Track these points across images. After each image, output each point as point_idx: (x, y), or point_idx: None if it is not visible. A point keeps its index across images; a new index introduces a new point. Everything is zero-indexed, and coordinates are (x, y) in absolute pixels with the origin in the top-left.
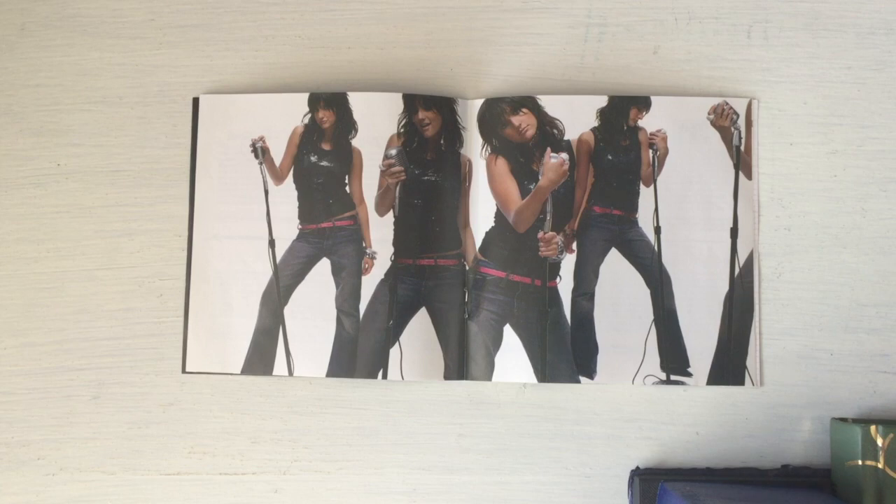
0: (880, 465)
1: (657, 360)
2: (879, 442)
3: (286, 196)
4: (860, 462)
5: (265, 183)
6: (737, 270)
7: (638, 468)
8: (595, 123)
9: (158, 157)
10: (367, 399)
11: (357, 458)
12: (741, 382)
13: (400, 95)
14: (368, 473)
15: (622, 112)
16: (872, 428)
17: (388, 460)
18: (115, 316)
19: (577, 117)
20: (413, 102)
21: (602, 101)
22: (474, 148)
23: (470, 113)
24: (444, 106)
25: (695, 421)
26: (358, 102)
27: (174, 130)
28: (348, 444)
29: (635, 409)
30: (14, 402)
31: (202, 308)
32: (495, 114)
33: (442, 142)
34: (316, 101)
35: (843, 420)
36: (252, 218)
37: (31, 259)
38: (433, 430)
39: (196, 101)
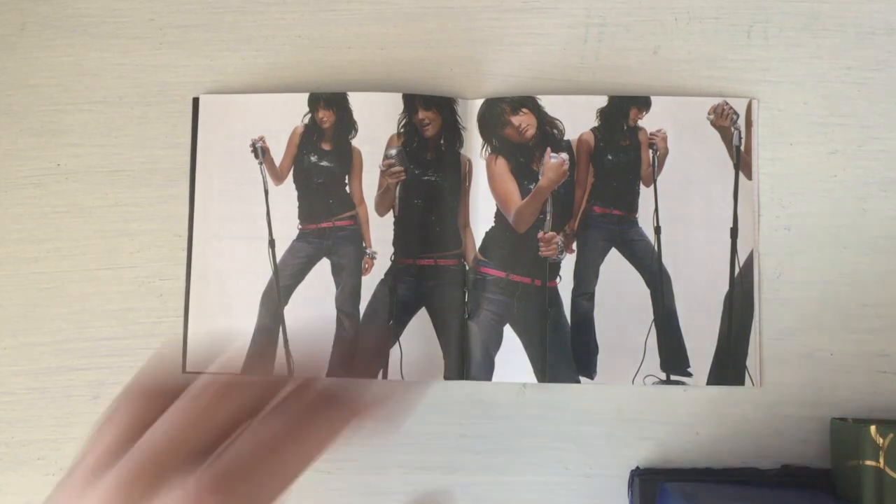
0: (880, 465)
1: (657, 360)
2: (879, 442)
3: (286, 196)
4: (860, 462)
5: (265, 183)
6: (737, 270)
7: (638, 468)
8: (595, 123)
9: (158, 157)
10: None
11: (357, 458)
12: (741, 382)
13: (400, 95)
14: (368, 473)
15: (622, 112)
16: (872, 428)
17: (388, 460)
18: (115, 316)
19: (577, 117)
20: (413, 102)
21: (602, 101)
22: (474, 148)
23: (470, 113)
24: (445, 106)
25: (695, 421)
26: (358, 102)
27: (174, 130)
28: (348, 444)
29: (635, 409)
30: (14, 402)
31: (202, 308)
32: (495, 114)
33: (442, 142)
34: (316, 101)
35: (843, 420)
36: (252, 218)
37: (31, 259)
38: (433, 430)
39: (196, 101)
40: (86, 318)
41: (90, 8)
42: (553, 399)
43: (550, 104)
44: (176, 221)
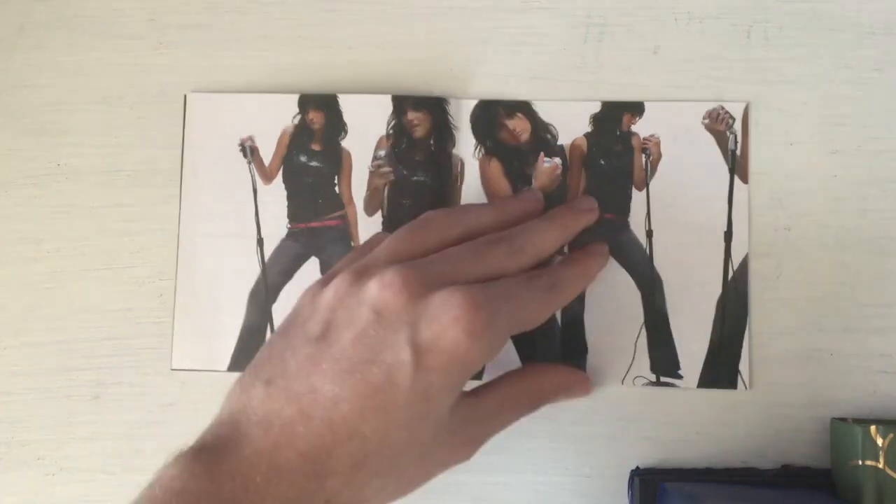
0: (880, 465)
1: (647, 361)
2: (879, 442)
3: (275, 195)
4: (860, 462)
5: (254, 182)
6: (730, 274)
7: (638, 468)
8: (588, 129)
9: (158, 157)
10: None
11: None
12: (733, 386)
13: (389, 97)
14: None
15: (615, 118)
16: (872, 428)
17: None
18: (115, 316)
19: (571, 123)
20: (402, 104)
21: (595, 106)
22: (467, 148)
23: (463, 113)
24: (435, 106)
25: (695, 421)
26: (348, 104)
27: (174, 130)
28: None
29: (635, 409)
30: (14, 402)
31: (189, 305)
32: (490, 116)
33: (432, 142)
34: (306, 102)
35: (843, 420)
36: (240, 216)
37: (31, 259)
38: None
39: (185, 100)
40: (86, 318)
41: (90, 8)
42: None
43: (544, 110)
44: (176, 221)
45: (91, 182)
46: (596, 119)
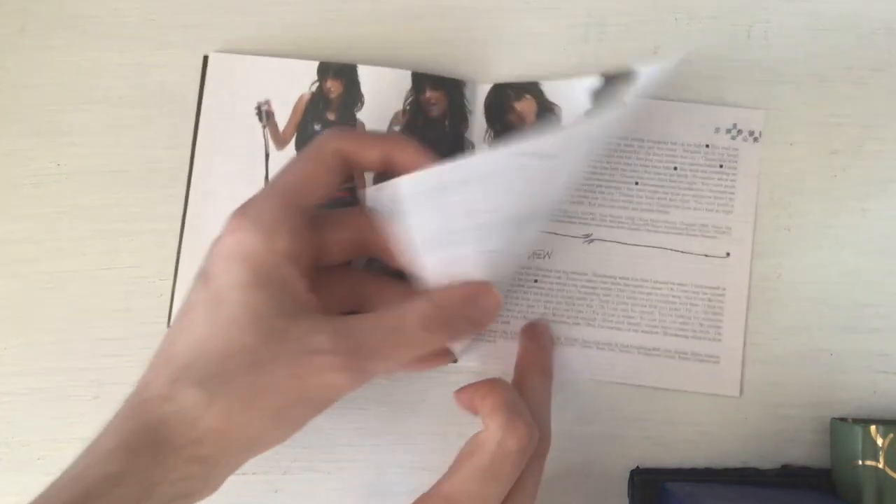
0: (880, 465)
1: None
2: (879, 442)
3: (286, 161)
4: (860, 462)
5: (266, 146)
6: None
7: (638, 468)
8: (588, 106)
9: (158, 157)
10: (367, 399)
11: (357, 458)
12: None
13: (409, 73)
14: (368, 473)
15: (615, 92)
16: (872, 428)
17: (388, 460)
18: (115, 316)
19: (573, 100)
20: (421, 81)
21: (597, 82)
22: (479, 133)
23: (479, 98)
24: (453, 87)
25: (695, 421)
26: (367, 76)
27: (174, 131)
28: (348, 444)
29: (635, 409)
30: (14, 402)
31: (192, 263)
32: (501, 100)
33: (446, 123)
34: (325, 70)
35: (843, 420)
36: (250, 180)
37: (31, 259)
38: (433, 430)
39: (206, 59)
40: (86, 318)
41: (90, 8)
42: (552, 399)
43: (551, 90)
44: (176, 221)
45: (91, 182)
46: (596, 95)
